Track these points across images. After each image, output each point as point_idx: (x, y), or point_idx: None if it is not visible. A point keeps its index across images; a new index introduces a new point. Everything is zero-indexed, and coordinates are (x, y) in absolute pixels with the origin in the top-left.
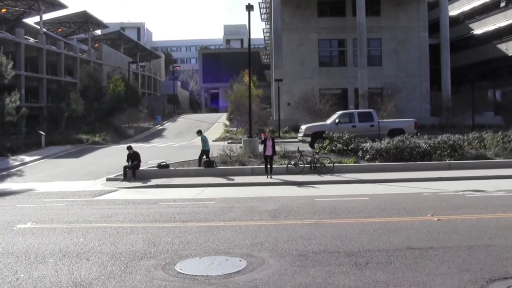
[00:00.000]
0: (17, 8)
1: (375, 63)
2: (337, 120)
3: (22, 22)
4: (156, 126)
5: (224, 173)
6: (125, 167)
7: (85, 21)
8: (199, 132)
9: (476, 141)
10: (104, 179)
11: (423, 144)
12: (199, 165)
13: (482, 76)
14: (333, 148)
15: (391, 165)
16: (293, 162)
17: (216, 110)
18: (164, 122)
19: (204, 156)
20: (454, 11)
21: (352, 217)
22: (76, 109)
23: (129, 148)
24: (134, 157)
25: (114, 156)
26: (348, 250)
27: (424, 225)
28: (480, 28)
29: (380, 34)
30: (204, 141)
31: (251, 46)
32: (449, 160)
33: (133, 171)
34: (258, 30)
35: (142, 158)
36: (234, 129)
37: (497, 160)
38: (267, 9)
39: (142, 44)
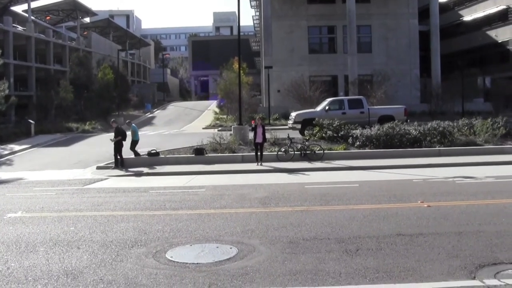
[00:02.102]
0: None
1: (365, 50)
2: (327, 107)
3: (10, 10)
4: (146, 114)
5: (214, 161)
6: (115, 155)
7: (73, 8)
8: (129, 123)
9: (466, 127)
10: (94, 168)
11: (413, 131)
12: (135, 156)
13: (471, 62)
14: (323, 135)
15: (381, 151)
16: (283, 149)
17: (206, 97)
18: (154, 110)
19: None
20: None
21: (342, 204)
22: (65, 97)
23: (112, 122)
24: (117, 132)
25: (104, 144)
26: (339, 237)
27: (414, 211)
28: (469, 14)
29: (370, 21)
30: (133, 131)
31: (241, 33)
32: (439, 147)
33: (121, 159)
34: (248, 17)
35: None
36: (224, 116)
37: (487, 146)
38: None
39: (131, 31)
